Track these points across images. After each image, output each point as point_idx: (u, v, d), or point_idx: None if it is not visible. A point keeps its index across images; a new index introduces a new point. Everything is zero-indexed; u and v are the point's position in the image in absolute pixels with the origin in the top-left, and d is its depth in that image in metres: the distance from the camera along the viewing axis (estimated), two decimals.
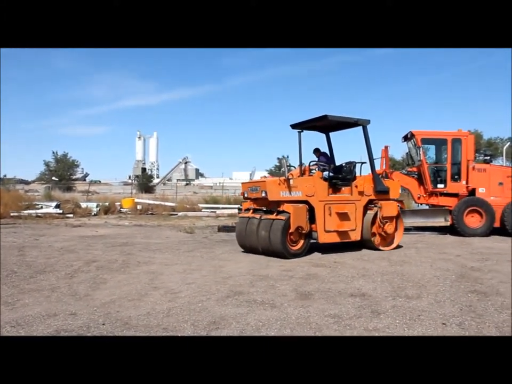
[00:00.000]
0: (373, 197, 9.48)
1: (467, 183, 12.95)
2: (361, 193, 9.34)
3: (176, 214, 21.31)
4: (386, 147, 13.68)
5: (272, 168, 57.25)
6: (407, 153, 14.76)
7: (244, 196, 9.64)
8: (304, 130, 9.57)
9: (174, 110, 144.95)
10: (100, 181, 70.17)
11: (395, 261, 7.85)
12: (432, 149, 13.97)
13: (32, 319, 4.33)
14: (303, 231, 8.50)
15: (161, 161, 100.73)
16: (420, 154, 12.84)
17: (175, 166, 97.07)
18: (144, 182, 60.46)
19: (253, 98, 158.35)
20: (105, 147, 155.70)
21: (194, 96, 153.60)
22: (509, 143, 23.95)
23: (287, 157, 61.66)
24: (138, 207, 22.47)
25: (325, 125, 10.15)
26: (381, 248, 9.44)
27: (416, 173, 13.52)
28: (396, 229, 9.72)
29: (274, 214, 8.50)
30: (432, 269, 7.05)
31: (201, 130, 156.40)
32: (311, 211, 8.72)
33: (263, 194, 8.60)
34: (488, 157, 16.11)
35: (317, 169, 9.95)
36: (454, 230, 12.57)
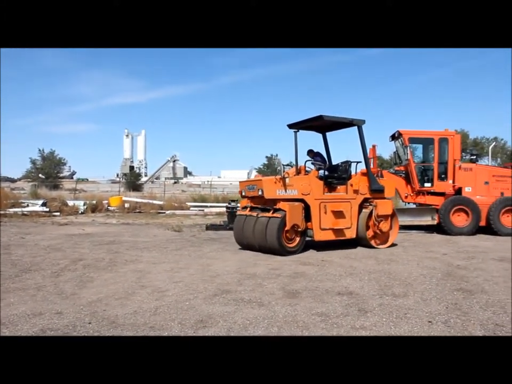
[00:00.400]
0: (368, 196, 9.60)
1: (453, 182, 13.06)
2: (356, 191, 9.47)
3: (164, 213, 21.21)
4: (374, 146, 13.72)
5: (261, 167, 57.21)
6: (395, 152, 14.84)
7: (241, 194, 9.78)
8: (299, 130, 9.61)
9: (162, 108, 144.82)
10: (87, 179, 69.75)
11: (382, 260, 7.90)
12: (419, 148, 14.07)
13: (17, 319, 4.29)
14: (299, 229, 8.68)
15: (149, 160, 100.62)
16: (407, 153, 12.92)
17: (163, 164, 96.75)
18: (132, 180, 60.17)
19: (242, 97, 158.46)
20: (92, 145, 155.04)
21: (183, 95, 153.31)
22: (494, 143, 24.19)
23: (276, 155, 61.89)
24: (126, 205, 22.32)
25: (321, 125, 10.28)
26: (376, 246, 9.58)
27: (404, 172, 13.59)
28: (391, 227, 9.85)
29: (271, 212, 8.67)
30: (419, 267, 7.11)
31: (189, 129, 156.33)
32: (306, 209, 8.87)
33: (260, 193, 8.77)
34: (474, 157, 16.23)
35: (313, 168, 10.05)
36: (440, 228, 12.67)
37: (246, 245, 9.31)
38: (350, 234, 9.35)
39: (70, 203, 21.43)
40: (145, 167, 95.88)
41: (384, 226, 9.61)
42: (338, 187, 9.59)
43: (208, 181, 49.83)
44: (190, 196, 28.51)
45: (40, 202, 20.43)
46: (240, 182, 10.19)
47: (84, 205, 21.21)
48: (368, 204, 9.60)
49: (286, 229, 8.47)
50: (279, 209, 8.56)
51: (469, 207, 12.62)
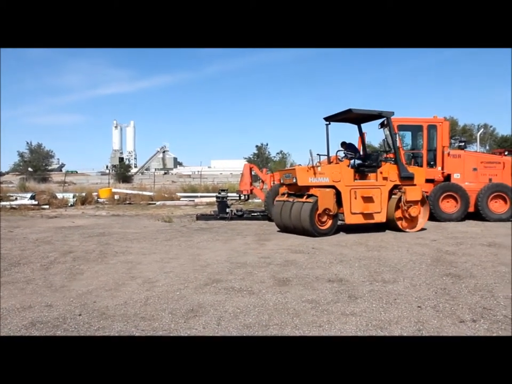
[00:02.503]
0: (398, 183, 10.27)
1: (442, 169, 13.14)
2: (385, 178, 10.19)
3: (154, 204, 21.18)
4: (363, 133, 13.73)
5: (251, 157, 57.04)
6: (384, 139, 14.87)
7: (280, 182, 10.95)
8: (330, 123, 10.60)
9: (151, 98, 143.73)
10: (76, 171, 69.28)
11: (372, 246, 7.94)
12: (408, 135, 14.12)
13: (6, 312, 4.26)
14: (331, 213, 9.56)
15: (138, 151, 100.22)
16: (396, 140, 12.94)
17: (153, 155, 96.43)
18: (122, 172, 59.82)
19: (231, 87, 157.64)
20: (81, 137, 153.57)
21: (172, 84, 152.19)
22: (482, 130, 24.34)
23: (267, 144, 61.72)
24: (116, 197, 22.26)
25: (352, 117, 10.98)
26: (406, 230, 10.18)
27: (393, 159, 13.63)
28: (420, 212, 10.40)
29: (305, 197, 9.62)
30: (409, 254, 7.16)
31: (179, 119, 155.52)
32: (338, 195, 9.73)
33: (294, 180, 9.77)
34: (463, 143, 16.32)
35: (347, 157, 10.91)
36: (430, 215, 12.75)
37: (283, 228, 10.28)
38: (380, 218, 10.07)
39: (59, 196, 21.30)
40: (135, 158, 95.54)
41: (413, 211, 10.18)
42: (369, 175, 10.34)
43: (198, 171, 49.68)
44: (180, 186, 28.47)
45: (29, 195, 20.28)
46: (278, 170, 11.67)
47: (73, 197, 21.11)
48: (397, 190, 10.20)
49: (318, 212, 9.38)
50: (312, 195, 9.49)
51: (458, 194, 12.70)
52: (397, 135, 13.08)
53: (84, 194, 22.12)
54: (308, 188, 9.68)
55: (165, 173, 74.33)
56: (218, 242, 8.71)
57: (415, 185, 10.41)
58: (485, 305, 4.32)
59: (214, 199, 15.07)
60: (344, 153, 11.22)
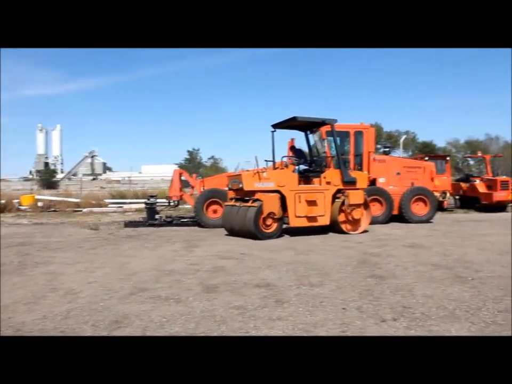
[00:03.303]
0: (341, 187, 10.72)
1: (368, 173, 13.60)
2: (329, 183, 10.64)
3: (81, 211, 20.39)
4: (292, 139, 14.02)
5: (182, 162, 56.51)
6: (313, 145, 15.19)
7: (228, 187, 11.23)
8: (276, 130, 11.14)
9: (80, 101, 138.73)
10: None
11: (301, 250, 8.06)
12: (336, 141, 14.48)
13: None
14: (276, 216, 9.90)
15: (65, 155, 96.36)
16: (324, 146, 13.28)
17: (80, 160, 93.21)
18: (47, 177, 57.23)
19: (163, 91, 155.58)
20: (2, 139, 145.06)
21: (101, 87, 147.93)
22: (405, 136, 25.54)
23: (198, 149, 61.46)
24: (40, 204, 21.17)
25: (297, 124, 11.50)
26: (349, 232, 10.62)
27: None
28: (363, 215, 10.82)
29: (250, 202, 9.94)
30: (335, 257, 7.33)
31: (109, 123, 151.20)
32: (283, 199, 10.07)
33: (241, 185, 10.08)
34: (387, 149, 17.12)
35: (291, 163, 11.28)
36: None
37: (231, 231, 10.59)
38: (324, 221, 10.53)
39: None
40: (61, 163, 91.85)
41: (356, 214, 10.64)
42: (313, 179, 10.77)
43: (128, 177, 48.50)
44: (108, 192, 27.63)
45: None
46: (227, 176, 11.92)
47: None
48: (341, 194, 10.63)
49: (263, 216, 9.72)
50: (257, 200, 9.82)
51: (383, 197, 13.21)
52: (325, 140, 13.44)
53: (3, 201, 20.84)
54: (253, 192, 9.98)
55: (94, 179, 72.05)
56: (146, 250, 8.50)
57: (358, 189, 10.87)
58: (404, 304, 4.49)
59: (143, 205, 14.73)
60: (288, 158, 11.63)
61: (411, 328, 3.79)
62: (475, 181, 19.55)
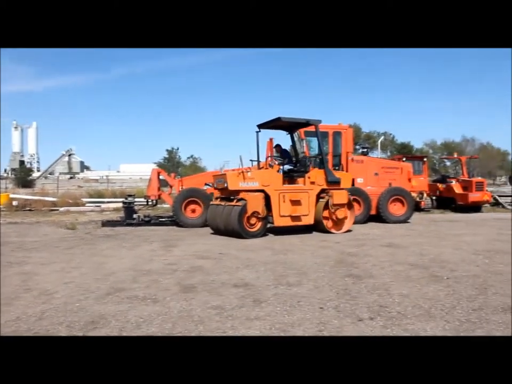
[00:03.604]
0: (325, 187, 10.80)
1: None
2: (313, 183, 10.70)
3: (58, 210, 20.08)
4: (271, 139, 14.03)
5: (161, 161, 56.10)
6: (292, 145, 15.24)
7: (213, 186, 11.38)
8: (261, 131, 11.14)
9: (57, 99, 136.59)
10: None
11: (279, 250, 8.07)
12: (314, 141, 14.55)
13: None
14: (260, 216, 10.00)
15: (42, 154, 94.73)
16: (303, 146, 13.33)
17: (57, 159, 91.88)
18: (22, 176, 56.23)
19: (141, 89, 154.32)
20: None
21: (79, 84, 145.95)
22: (383, 137, 25.80)
23: (177, 149, 61.07)
24: (14, 203, 20.75)
25: (282, 125, 11.56)
26: (332, 231, 10.72)
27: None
28: (347, 215, 10.90)
29: (235, 201, 10.03)
30: (313, 256, 7.35)
31: (86, 121, 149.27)
32: (268, 199, 10.17)
33: (225, 185, 10.17)
34: (366, 149, 17.21)
35: (276, 163, 11.38)
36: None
37: (216, 230, 10.71)
38: (308, 220, 10.60)
39: None
40: (38, 162, 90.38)
41: (340, 214, 10.75)
42: (298, 179, 10.93)
43: (106, 176, 47.94)
44: (86, 191, 27.27)
45: None
46: (213, 175, 11.87)
47: None
48: (325, 194, 10.71)
49: (247, 215, 9.82)
50: (241, 199, 9.93)
51: (361, 197, 13.31)
52: (304, 140, 13.50)
53: None
54: (238, 192, 10.09)
55: (71, 177, 71.07)
56: (124, 250, 8.41)
57: (342, 189, 10.97)
58: (381, 303, 4.53)
59: (121, 204, 14.57)
60: (274, 158, 11.76)
61: (387, 327, 3.82)
62: (451, 182, 19.82)
